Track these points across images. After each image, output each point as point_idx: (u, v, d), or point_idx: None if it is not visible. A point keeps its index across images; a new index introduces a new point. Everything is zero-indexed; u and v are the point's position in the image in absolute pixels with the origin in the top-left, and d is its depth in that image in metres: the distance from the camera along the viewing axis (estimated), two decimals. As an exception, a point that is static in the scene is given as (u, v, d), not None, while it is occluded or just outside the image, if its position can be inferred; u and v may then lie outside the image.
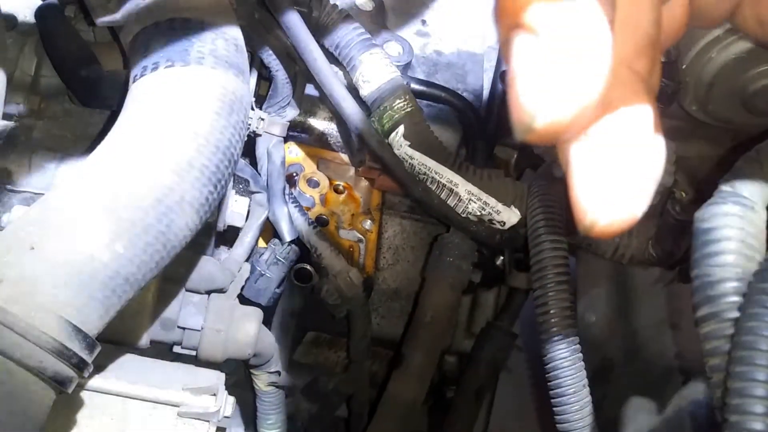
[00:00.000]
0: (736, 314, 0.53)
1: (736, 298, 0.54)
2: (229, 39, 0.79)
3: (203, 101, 0.72)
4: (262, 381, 1.14)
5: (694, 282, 0.58)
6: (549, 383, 0.95)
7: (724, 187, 0.62)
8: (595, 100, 0.30)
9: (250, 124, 1.09)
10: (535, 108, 0.29)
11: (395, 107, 1.03)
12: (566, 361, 0.92)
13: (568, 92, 0.29)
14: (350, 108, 0.96)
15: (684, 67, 0.90)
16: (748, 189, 0.61)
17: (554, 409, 0.95)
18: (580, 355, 0.95)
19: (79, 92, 0.97)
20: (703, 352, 0.56)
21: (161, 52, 0.75)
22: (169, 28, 0.77)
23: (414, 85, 1.15)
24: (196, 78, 0.73)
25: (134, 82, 0.75)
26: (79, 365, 0.63)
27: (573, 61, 0.29)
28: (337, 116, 1.05)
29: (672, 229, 0.99)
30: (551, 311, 0.92)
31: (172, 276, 0.97)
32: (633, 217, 0.33)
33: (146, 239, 0.66)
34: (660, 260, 1.04)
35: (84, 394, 0.84)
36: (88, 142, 1.00)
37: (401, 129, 1.02)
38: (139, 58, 0.77)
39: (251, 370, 1.13)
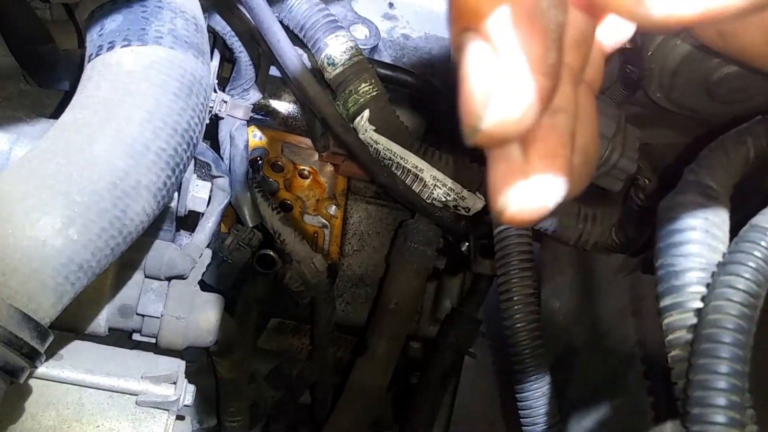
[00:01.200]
0: (699, 304, 0.53)
1: (699, 289, 0.54)
2: (189, 18, 0.77)
3: (160, 82, 0.69)
4: (224, 368, 1.13)
5: (657, 271, 0.57)
6: (512, 369, 0.95)
7: (689, 177, 0.61)
8: (537, 105, 0.32)
9: (212, 107, 1.07)
10: (483, 111, 0.31)
11: (360, 91, 1.02)
12: (528, 349, 0.92)
13: (513, 97, 0.31)
14: (314, 91, 0.95)
15: (649, 54, 0.90)
16: (712, 179, 0.61)
17: (517, 395, 0.96)
18: (542, 342, 0.95)
19: (34, 72, 0.94)
20: (666, 342, 0.56)
21: (117, 31, 0.72)
22: (126, 6, 0.75)
23: (380, 69, 1.13)
24: (154, 58, 0.70)
25: (89, 61, 0.72)
26: (31, 355, 0.61)
27: (521, 70, 0.31)
28: (301, 100, 1.03)
29: (635, 216, 0.99)
30: (515, 298, 0.92)
31: (131, 262, 0.95)
32: (544, 209, 0.36)
33: (101, 225, 0.64)
34: (623, 247, 1.05)
35: (39, 384, 0.82)
36: (43, 122, 0.97)
37: (366, 113, 1.01)
38: (95, 37, 0.74)
39: (213, 357, 1.12)
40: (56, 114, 0.87)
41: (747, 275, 0.51)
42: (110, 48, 0.71)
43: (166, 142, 0.69)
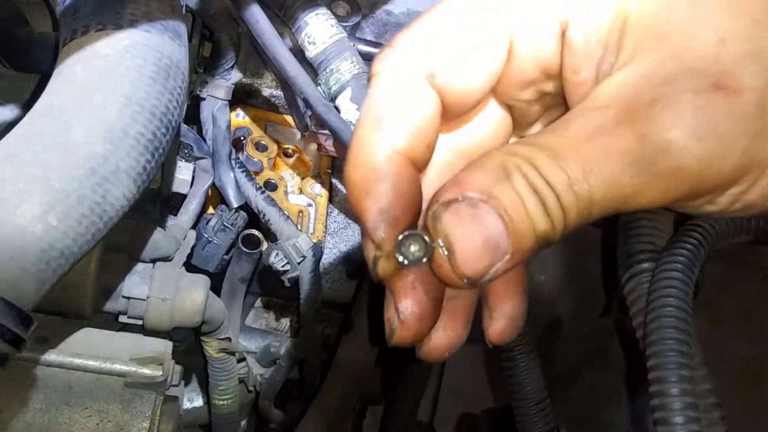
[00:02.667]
0: (649, 275, 0.72)
1: (648, 265, 0.73)
2: (164, 0, 0.76)
3: (137, 66, 0.69)
4: (212, 348, 1.14)
5: (618, 252, 0.77)
6: (499, 347, 0.96)
7: None
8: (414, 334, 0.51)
9: (192, 89, 1.06)
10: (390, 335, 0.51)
11: (342, 69, 1.01)
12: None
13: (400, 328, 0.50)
14: (294, 71, 0.94)
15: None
16: None
17: (505, 373, 0.97)
18: (530, 320, 0.96)
19: (9, 55, 0.93)
20: (628, 302, 0.76)
21: (92, 14, 0.72)
22: (101, -12, 0.74)
23: (362, 47, 1.13)
24: (129, 42, 0.70)
25: (64, 45, 0.72)
26: (14, 341, 0.61)
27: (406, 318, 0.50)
28: (282, 80, 1.02)
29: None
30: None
31: (115, 245, 0.95)
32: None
33: (81, 210, 0.64)
34: (605, 220, 1.06)
35: (26, 368, 0.82)
36: (20, 107, 0.96)
37: (348, 92, 1.01)
38: (69, 20, 0.73)
39: (201, 337, 1.13)
40: (33, 98, 0.86)
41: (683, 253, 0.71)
42: (84, 32, 0.70)
43: (145, 126, 0.68)
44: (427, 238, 0.44)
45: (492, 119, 0.55)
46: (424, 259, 0.44)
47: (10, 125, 0.73)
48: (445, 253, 0.43)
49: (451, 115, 0.51)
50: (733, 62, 0.43)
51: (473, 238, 0.43)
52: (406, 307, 0.49)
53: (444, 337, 0.54)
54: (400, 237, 0.45)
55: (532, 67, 0.50)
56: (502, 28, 0.48)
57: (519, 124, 0.57)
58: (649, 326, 0.70)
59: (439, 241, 0.44)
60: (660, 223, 0.76)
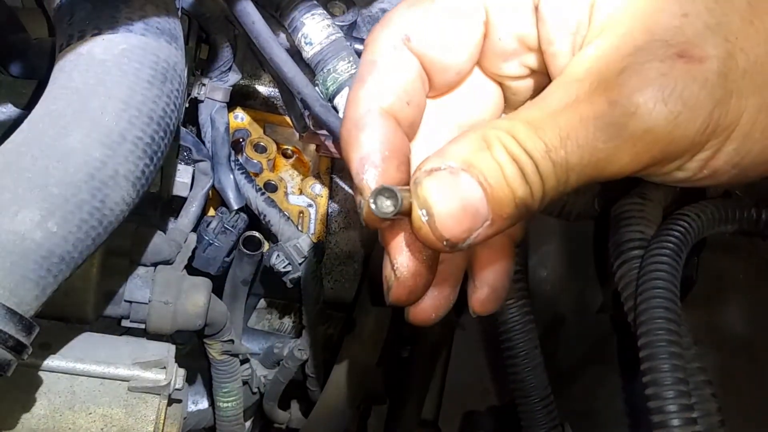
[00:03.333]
0: (639, 261, 0.76)
1: (638, 252, 0.77)
2: (159, 3, 0.76)
3: (133, 70, 0.69)
4: (215, 350, 1.14)
5: (609, 243, 0.82)
6: (502, 345, 0.96)
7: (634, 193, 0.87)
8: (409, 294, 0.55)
9: (190, 91, 1.06)
10: (387, 290, 0.55)
11: (339, 69, 1.01)
12: (518, 324, 0.93)
13: (395, 284, 0.55)
14: (292, 71, 0.94)
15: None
16: (649, 190, 0.86)
17: (508, 370, 0.96)
18: (532, 316, 0.96)
19: (6, 61, 0.93)
20: (619, 288, 0.79)
21: (87, 19, 0.71)
22: (96, -8, 0.74)
23: (358, 46, 1.12)
24: (125, 46, 0.70)
25: (60, 51, 0.72)
26: (17, 348, 0.61)
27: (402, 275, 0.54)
28: (279, 81, 1.02)
29: (616, 184, 1.00)
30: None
31: (116, 249, 0.95)
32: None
33: (80, 216, 0.64)
34: (600, 214, 1.06)
35: (29, 374, 0.82)
36: (18, 113, 0.96)
37: (346, 92, 1.00)
38: (65, 25, 0.73)
39: (204, 340, 1.13)
40: (30, 104, 0.86)
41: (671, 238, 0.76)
42: (80, 37, 0.70)
43: (143, 130, 0.68)
44: (399, 193, 0.46)
45: (483, 95, 0.59)
46: (395, 213, 0.47)
47: (8, 132, 0.73)
48: (425, 216, 0.46)
49: (438, 83, 0.56)
50: (696, 33, 0.46)
51: (452, 203, 0.46)
52: (401, 263, 0.53)
53: (430, 299, 0.57)
54: (374, 189, 0.47)
55: (510, 39, 0.54)
56: None
57: (511, 103, 0.60)
58: (639, 307, 0.73)
59: (420, 209, 0.46)
60: (649, 213, 0.80)
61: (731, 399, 0.86)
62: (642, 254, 0.78)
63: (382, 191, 0.47)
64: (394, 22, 0.54)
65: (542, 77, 0.57)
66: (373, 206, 0.47)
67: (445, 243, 0.46)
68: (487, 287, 0.60)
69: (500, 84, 0.59)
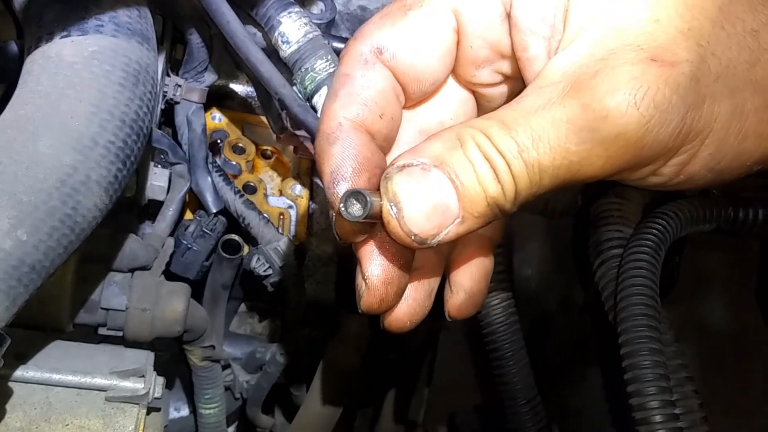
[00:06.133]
0: (618, 261, 0.77)
1: (617, 251, 0.79)
2: (130, 4, 0.74)
3: (104, 73, 0.67)
4: (196, 356, 1.12)
5: (589, 242, 0.82)
6: (487, 347, 0.95)
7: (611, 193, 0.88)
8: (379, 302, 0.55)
9: (166, 92, 1.04)
10: (359, 297, 0.55)
11: (317, 68, 0.99)
12: (503, 326, 0.92)
13: (365, 292, 0.55)
14: (268, 72, 0.92)
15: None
16: (627, 190, 0.88)
17: (494, 372, 0.96)
18: (516, 317, 0.95)
19: (-26, 65, 0.90)
20: (599, 287, 0.81)
21: (56, 21, 0.70)
22: (64, -7, 0.72)
23: (337, 44, 1.11)
24: (95, 48, 0.68)
25: (29, 54, 0.70)
26: (-13, 360, 0.60)
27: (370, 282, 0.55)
28: (255, 81, 1.01)
29: (600, 182, 0.99)
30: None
31: (92, 256, 0.93)
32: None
33: (51, 223, 0.63)
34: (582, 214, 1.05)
35: (4, 385, 0.80)
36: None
37: (324, 91, 0.99)
38: (33, 27, 0.71)
39: (184, 346, 1.11)
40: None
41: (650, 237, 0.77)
42: (49, 39, 0.68)
43: (115, 134, 0.67)
44: (368, 196, 0.47)
45: (456, 102, 0.60)
46: (365, 216, 0.47)
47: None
48: (394, 211, 0.46)
49: (413, 93, 0.56)
50: (668, 38, 0.46)
51: (421, 198, 0.46)
52: (371, 272, 0.53)
53: (405, 306, 0.57)
54: (343, 193, 0.48)
55: (482, 46, 0.55)
56: (443, 7, 0.53)
57: (486, 111, 0.60)
58: (619, 305, 0.74)
59: (390, 204, 0.47)
60: (627, 213, 0.81)
61: (714, 393, 0.86)
62: (621, 253, 0.78)
63: (352, 194, 0.47)
64: (366, 35, 0.54)
65: (516, 83, 0.57)
66: (343, 210, 0.47)
67: (413, 238, 0.47)
68: (463, 292, 0.60)
69: (475, 92, 0.60)
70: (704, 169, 0.50)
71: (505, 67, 0.56)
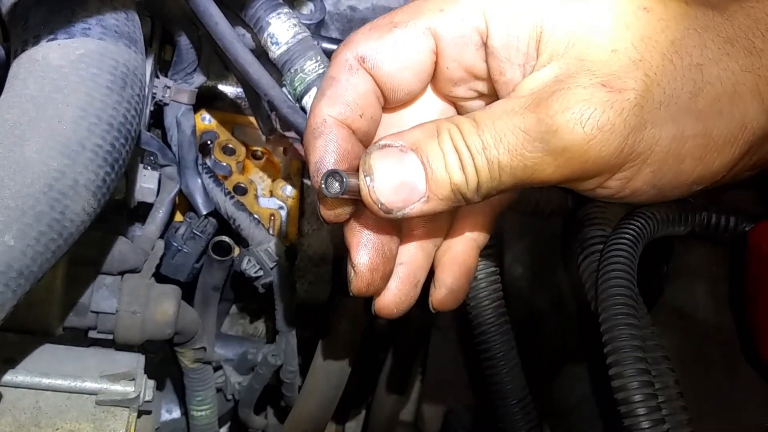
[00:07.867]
0: (599, 255, 0.81)
1: (599, 247, 0.82)
2: (117, 6, 0.74)
3: (91, 76, 0.67)
4: (187, 358, 1.11)
5: (576, 239, 0.86)
6: (478, 347, 0.95)
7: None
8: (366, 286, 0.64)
9: (155, 94, 1.04)
10: (350, 283, 0.63)
11: (306, 69, 0.99)
12: (494, 326, 0.92)
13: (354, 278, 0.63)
14: (257, 73, 0.92)
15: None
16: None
17: (485, 372, 0.95)
18: (507, 317, 0.95)
19: (-40, 68, 0.90)
20: (582, 280, 0.84)
21: (42, 24, 0.69)
22: (51, -4, 0.72)
23: (326, 45, 1.11)
24: (82, 51, 0.68)
25: (15, 57, 0.69)
26: (-26, 367, 0.59)
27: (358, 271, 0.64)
28: (244, 83, 1.00)
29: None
30: (478, 277, 0.91)
31: (81, 259, 0.93)
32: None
33: (39, 228, 0.62)
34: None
35: (-9, 391, 0.80)
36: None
37: (314, 92, 0.98)
38: (20, 31, 0.71)
39: (176, 348, 1.10)
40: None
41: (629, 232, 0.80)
42: (35, 43, 0.68)
43: (102, 138, 0.66)
44: (344, 173, 0.53)
45: (437, 111, 0.66)
46: (341, 191, 0.53)
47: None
48: (367, 181, 0.53)
49: (391, 99, 0.63)
50: (620, 67, 0.53)
51: (393, 173, 0.53)
52: (359, 260, 0.61)
53: (392, 295, 0.65)
54: (324, 173, 0.55)
55: (457, 68, 0.61)
56: (424, 31, 0.59)
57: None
58: (599, 288, 0.78)
59: (365, 175, 0.53)
60: (609, 214, 0.86)
61: (699, 385, 0.87)
62: (602, 248, 0.82)
63: (330, 174, 0.54)
64: (353, 43, 0.61)
65: (491, 100, 0.62)
66: (324, 188, 0.53)
67: (380, 206, 0.54)
68: (445, 288, 0.68)
69: (453, 103, 0.67)
70: (647, 185, 0.57)
71: (481, 86, 0.63)
